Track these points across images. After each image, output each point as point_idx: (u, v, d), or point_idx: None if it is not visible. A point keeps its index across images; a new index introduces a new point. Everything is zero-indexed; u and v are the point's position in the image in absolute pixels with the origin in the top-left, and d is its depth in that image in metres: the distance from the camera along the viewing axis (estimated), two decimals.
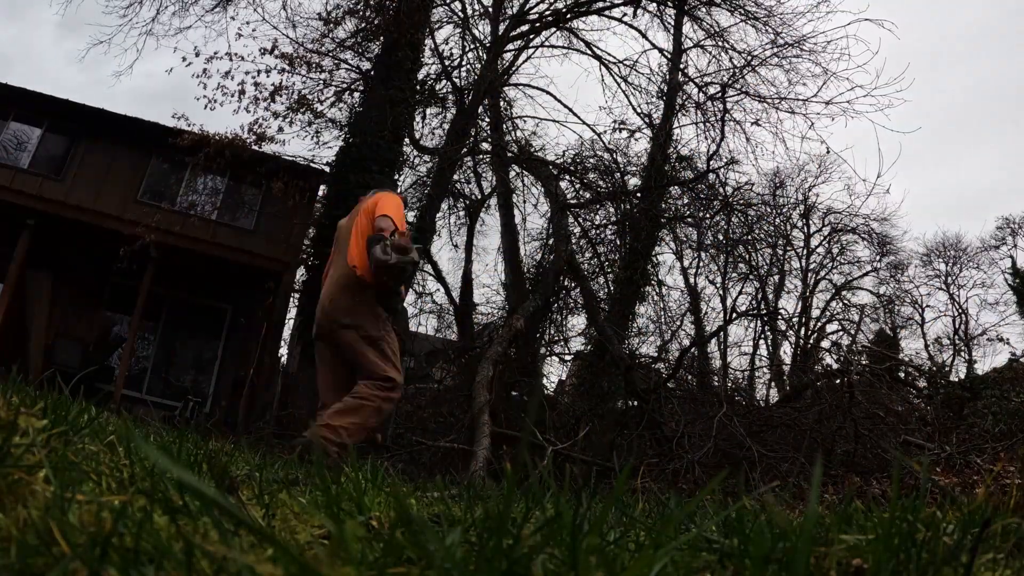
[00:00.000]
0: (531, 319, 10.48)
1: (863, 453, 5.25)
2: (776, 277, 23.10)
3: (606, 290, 12.84)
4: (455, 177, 14.30)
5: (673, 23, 12.65)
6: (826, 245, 24.79)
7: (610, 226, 12.99)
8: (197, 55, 11.34)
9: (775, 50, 11.06)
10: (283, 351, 15.71)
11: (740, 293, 22.51)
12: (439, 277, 16.97)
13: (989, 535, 0.85)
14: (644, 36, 12.63)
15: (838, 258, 25.00)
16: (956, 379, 11.28)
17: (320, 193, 13.22)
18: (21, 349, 11.18)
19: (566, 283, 11.96)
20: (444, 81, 13.14)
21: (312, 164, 12.57)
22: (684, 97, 12.43)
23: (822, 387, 7.08)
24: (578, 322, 15.17)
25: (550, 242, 12.23)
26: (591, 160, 12.95)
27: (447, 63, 13.11)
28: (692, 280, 20.75)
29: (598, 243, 12.74)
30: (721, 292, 22.42)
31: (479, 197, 16.04)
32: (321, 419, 3.54)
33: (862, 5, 14.59)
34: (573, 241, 12.00)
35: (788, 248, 22.68)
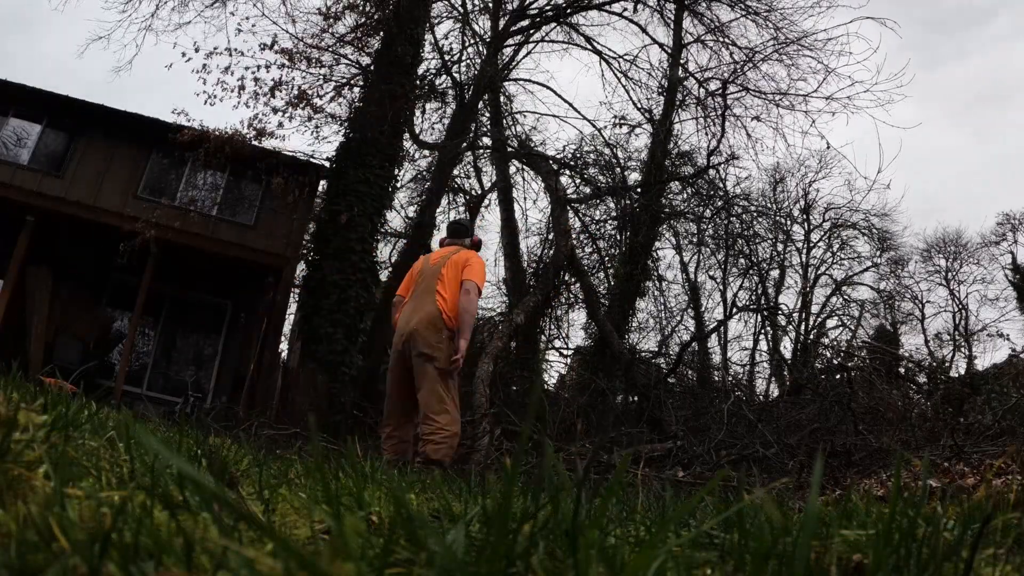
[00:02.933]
0: (531, 314, 10.48)
1: (863, 448, 5.25)
2: (776, 272, 23.12)
3: (606, 285, 12.85)
4: (455, 172, 14.28)
5: (673, 18, 12.62)
6: (826, 240, 24.80)
7: (610, 221, 12.99)
8: (197, 51, 11.33)
9: (776, 46, 11.03)
10: (283, 346, 15.72)
11: (740, 288, 22.53)
12: None
13: (990, 531, 0.85)
14: (644, 31, 12.60)
15: (838, 253, 25.03)
16: (956, 375, 11.28)
17: (320, 188, 13.21)
18: (21, 346, 11.18)
19: (566, 278, 11.96)
20: (444, 76, 13.12)
21: (312, 159, 12.55)
22: (684, 93, 12.41)
23: (822, 383, 7.09)
24: (579, 317, 15.18)
25: (550, 237, 12.22)
26: (591, 155, 12.94)
27: (447, 58, 13.09)
28: (692, 275, 20.78)
29: (598, 238, 12.74)
30: (721, 287, 22.45)
31: (479, 192, 16.03)
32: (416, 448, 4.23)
33: (862, 0, 14.54)
34: (573, 236, 11.99)
35: (788, 243, 22.70)
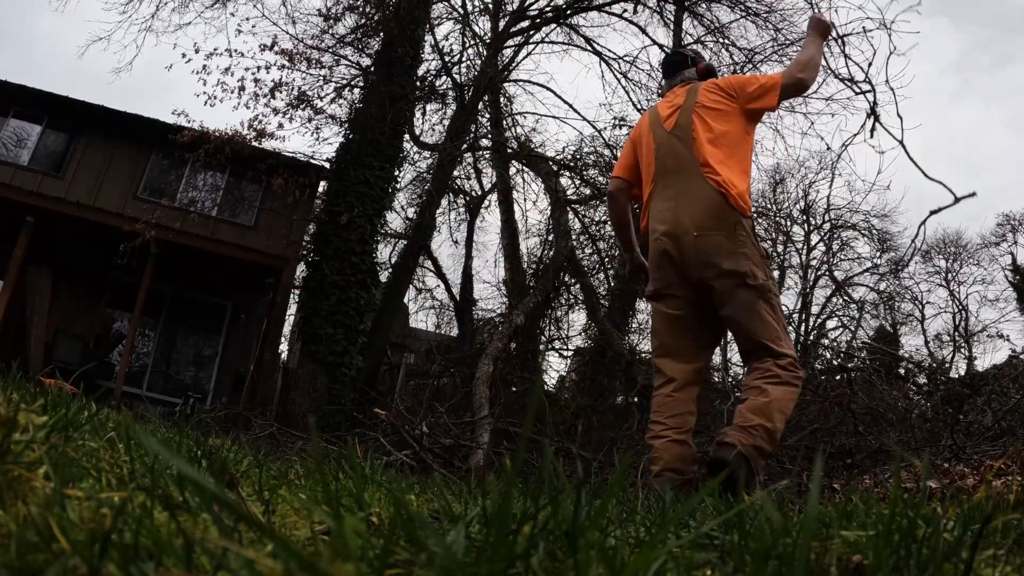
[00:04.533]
0: (531, 315, 10.49)
1: (863, 449, 5.25)
2: (776, 273, 23.12)
3: (606, 286, 12.85)
4: (455, 173, 14.29)
5: (673, 19, 12.62)
6: (826, 241, 24.78)
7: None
8: (197, 51, 11.32)
9: (776, 47, 11.05)
10: (283, 347, 15.74)
11: None
12: (439, 273, 17.01)
13: (990, 532, 0.85)
14: (644, 32, 12.61)
15: (838, 254, 25.00)
16: (956, 375, 11.28)
17: (320, 189, 13.22)
18: (21, 346, 11.19)
19: (566, 279, 11.96)
20: (444, 77, 13.14)
21: (312, 160, 12.56)
22: None
23: (822, 383, 7.09)
24: (579, 318, 15.20)
25: (550, 238, 12.23)
26: (591, 156, 12.95)
27: (447, 59, 13.11)
28: None
29: (598, 239, 12.74)
30: None
31: (479, 193, 16.05)
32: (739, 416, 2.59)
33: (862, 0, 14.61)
34: (573, 237, 12.00)
35: (788, 244, 22.70)
